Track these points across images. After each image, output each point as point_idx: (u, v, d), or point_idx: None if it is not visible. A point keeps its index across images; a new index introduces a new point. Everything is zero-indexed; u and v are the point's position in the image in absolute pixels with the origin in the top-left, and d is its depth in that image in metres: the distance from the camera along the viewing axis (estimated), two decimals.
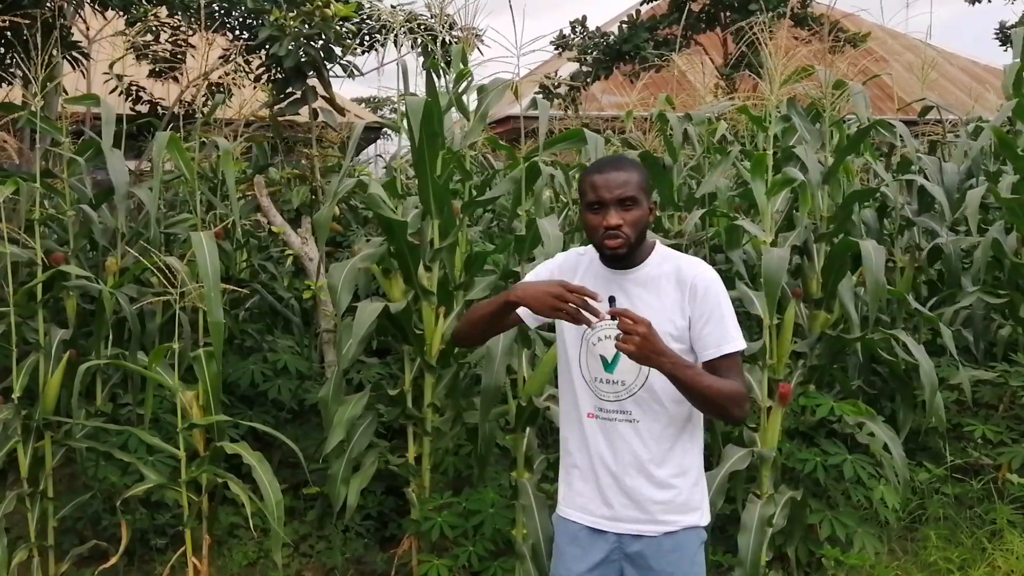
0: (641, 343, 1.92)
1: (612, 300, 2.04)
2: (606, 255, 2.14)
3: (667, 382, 2.04)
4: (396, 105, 4.39)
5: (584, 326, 2.05)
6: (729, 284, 3.63)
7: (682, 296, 2.11)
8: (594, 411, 2.17)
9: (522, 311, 2.19)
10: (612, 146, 5.29)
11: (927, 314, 3.90)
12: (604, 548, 2.18)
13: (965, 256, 4.71)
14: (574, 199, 5.01)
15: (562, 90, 8.58)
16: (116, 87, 5.18)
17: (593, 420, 2.18)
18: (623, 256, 2.12)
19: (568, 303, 1.98)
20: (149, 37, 5.29)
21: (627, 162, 2.15)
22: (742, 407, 2.09)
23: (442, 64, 3.56)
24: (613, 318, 1.97)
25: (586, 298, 1.98)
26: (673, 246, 2.31)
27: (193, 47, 5.34)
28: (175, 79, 5.35)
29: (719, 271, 2.22)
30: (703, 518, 2.21)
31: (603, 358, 2.16)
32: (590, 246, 2.25)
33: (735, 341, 2.10)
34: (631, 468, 2.14)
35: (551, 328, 2.49)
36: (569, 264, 2.27)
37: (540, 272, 2.31)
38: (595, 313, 1.97)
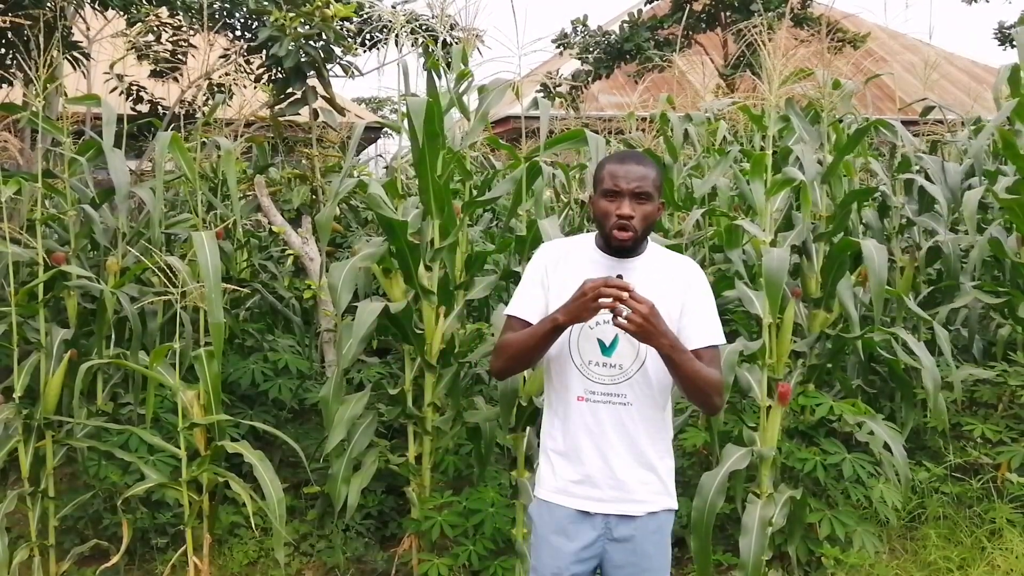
0: (643, 321, 1.98)
1: (619, 279, 2.06)
2: (611, 244, 2.18)
3: (660, 368, 2.13)
4: (396, 105, 4.40)
5: None
6: (729, 284, 3.65)
7: (675, 288, 2.19)
8: (584, 394, 2.20)
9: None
10: (611, 147, 5.29)
11: (923, 315, 3.91)
12: (591, 533, 2.21)
13: (964, 255, 4.71)
14: (576, 199, 5.02)
15: (563, 88, 8.59)
16: (117, 87, 5.18)
17: (583, 403, 2.20)
18: (629, 248, 2.18)
19: (605, 296, 1.99)
20: (150, 37, 5.30)
21: (647, 159, 2.22)
22: (722, 397, 2.22)
23: (443, 64, 3.57)
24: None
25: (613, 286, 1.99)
26: (673, 246, 2.33)
27: (194, 47, 5.35)
28: (176, 79, 5.36)
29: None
30: (675, 501, 2.29)
31: (600, 341, 2.19)
32: (580, 236, 2.32)
33: (719, 334, 2.23)
34: (620, 449, 2.19)
35: None
36: (556, 255, 2.28)
37: (531, 276, 2.28)
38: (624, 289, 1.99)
